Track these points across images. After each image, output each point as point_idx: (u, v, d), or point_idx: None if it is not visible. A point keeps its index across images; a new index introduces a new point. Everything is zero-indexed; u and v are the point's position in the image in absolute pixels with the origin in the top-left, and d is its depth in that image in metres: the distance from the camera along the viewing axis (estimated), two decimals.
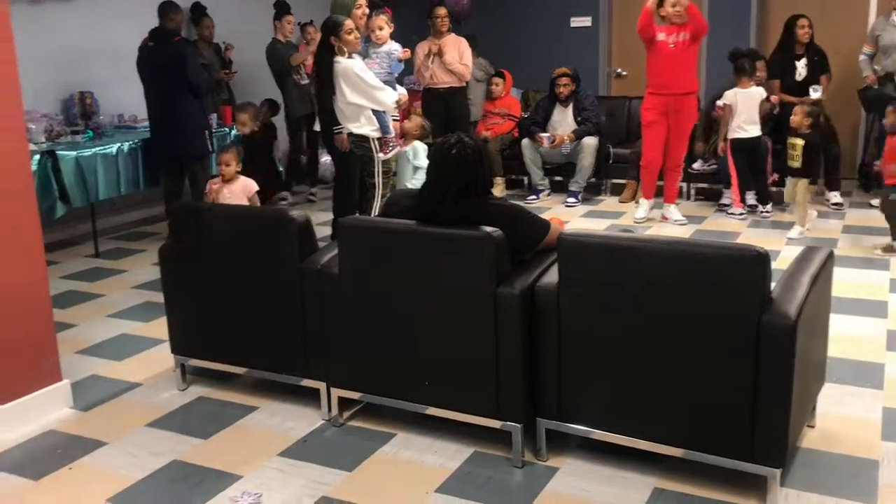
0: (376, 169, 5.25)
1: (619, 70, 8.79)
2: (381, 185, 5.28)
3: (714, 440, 2.71)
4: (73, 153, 5.61)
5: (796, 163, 5.79)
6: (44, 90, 6.14)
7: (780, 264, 4.47)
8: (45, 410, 3.40)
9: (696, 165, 7.01)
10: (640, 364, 2.76)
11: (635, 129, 7.45)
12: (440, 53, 6.93)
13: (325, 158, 8.05)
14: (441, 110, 6.99)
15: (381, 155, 5.23)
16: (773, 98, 6.65)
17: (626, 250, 2.75)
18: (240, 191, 4.55)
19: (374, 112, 5.15)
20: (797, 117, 5.84)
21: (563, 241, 2.81)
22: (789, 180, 6.00)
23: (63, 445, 3.21)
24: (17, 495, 2.87)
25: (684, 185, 7.10)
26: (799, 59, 6.90)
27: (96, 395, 3.64)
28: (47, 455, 3.14)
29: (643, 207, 6.55)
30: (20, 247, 3.31)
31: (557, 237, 2.84)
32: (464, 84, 7.12)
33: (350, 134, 5.17)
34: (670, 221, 6.43)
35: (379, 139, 5.20)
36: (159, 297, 3.96)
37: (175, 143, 5.86)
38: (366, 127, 5.16)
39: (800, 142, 5.74)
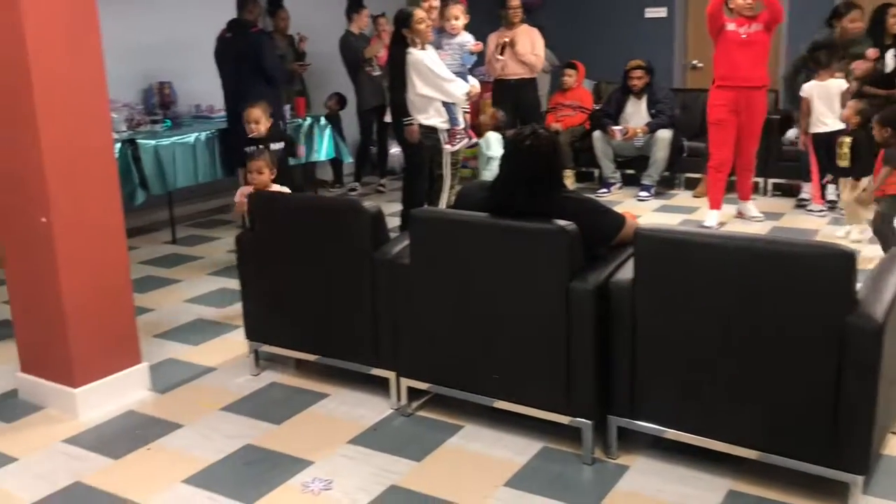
0: (444, 160, 5.26)
1: (694, 62, 8.60)
2: (448, 177, 5.29)
3: (793, 443, 2.63)
4: (153, 142, 5.76)
5: (844, 162, 5.41)
6: (124, 80, 6.30)
7: (861, 264, 4.31)
8: (125, 392, 3.51)
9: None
10: (717, 363, 2.70)
11: None
12: (512, 44, 6.88)
13: (395, 150, 8.10)
14: (511, 102, 6.95)
15: (448, 147, 5.23)
16: (870, 52, 6.21)
17: (705, 247, 2.69)
18: None
19: (444, 103, 5.15)
20: (848, 111, 5.47)
21: (641, 236, 2.76)
22: (840, 182, 5.60)
23: (141, 426, 3.31)
24: (97, 473, 2.97)
25: (761, 180, 6.91)
26: (888, 50, 6.63)
27: (173, 378, 3.74)
28: (126, 435, 3.24)
29: (712, 217, 6.07)
30: (104, 232, 3.42)
31: (634, 232, 2.79)
32: (535, 75, 7.06)
33: (420, 125, 5.19)
34: (747, 218, 6.25)
35: (447, 131, 5.21)
36: (234, 284, 4.05)
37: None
38: (435, 118, 5.17)
39: (847, 139, 5.35)
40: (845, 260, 2.46)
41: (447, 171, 5.27)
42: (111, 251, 3.46)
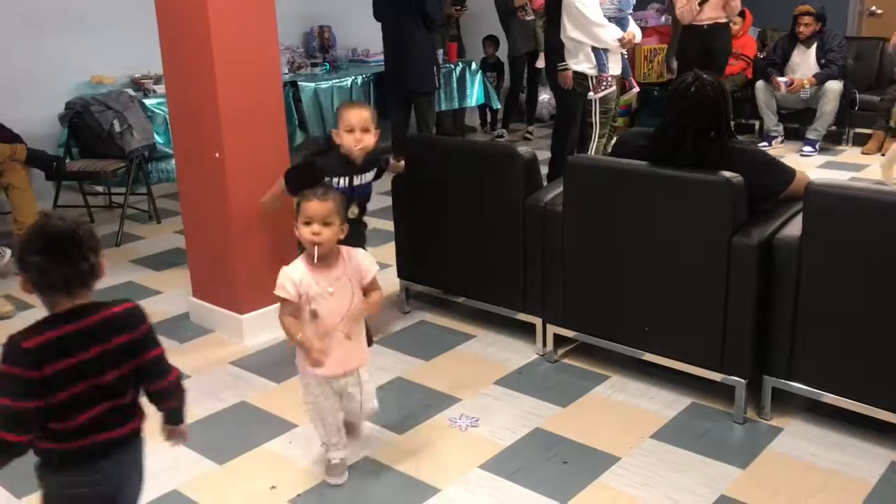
0: (593, 108, 5.13)
1: (872, 8, 7.97)
2: (598, 125, 5.15)
3: None
4: (312, 85, 5.97)
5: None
6: (287, 23, 6.46)
7: None
8: None
9: None
10: (884, 328, 2.55)
11: (887, 73, 6.77)
12: None
13: (543, 97, 8.02)
14: (700, 49, 6.41)
15: (591, 94, 5.10)
16: None
17: (886, 206, 2.52)
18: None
19: (594, 49, 5.00)
20: None
21: (813, 192, 2.63)
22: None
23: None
24: (261, 394, 3.18)
25: None
26: None
27: None
28: (287, 361, 3.41)
29: None
30: (271, 168, 3.58)
31: (805, 187, 2.66)
32: (728, 20, 6.57)
33: (572, 71, 5.10)
34: None
35: (595, 77, 5.07)
36: (386, 225, 4.16)
37: (407, 77, 6.01)
38: (584, 64, 5.05)
39: None
40: None
41: (596, 120, 5.15)
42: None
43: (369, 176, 3.35)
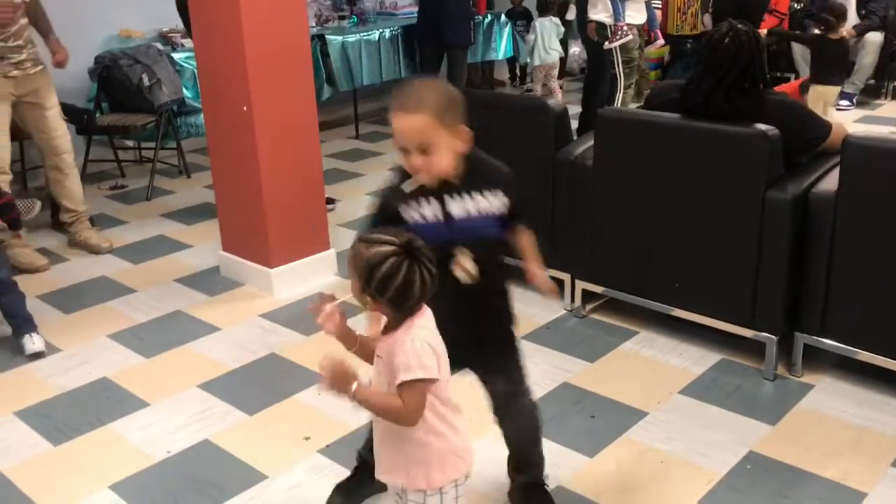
0: (615, 58, 5.01)
1: None
2: (622, 76, 5.03)
3: None
4: (340, 38, 5.91)
5: None
6: None
7: None
8: (315, 275, 3.73)
9: None
10: None
11: None
12: None
13: (574, 50, 7.89)
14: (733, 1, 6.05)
15: (607, 43, 4.99)
16: None
17: None
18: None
19: None
20: None
21: (850, 145, 2.56)
22: None
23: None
24: (290, 347, 3.21)
25: None
26: None
27: None
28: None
29: None
30: (299, 123, 3.58)
31: (842, 140, 2.59)
32: None
33: (595, 21, 5.01)
34: None
35: (612, 26, 4.96)
36: None
37: (443, 31, 5.91)
38: (601, 13, 4.95)
39: None
40: None
41: (620, 70, 5.03)
42: (306, 141, 3.62)
43: (489, 204, 1.92)
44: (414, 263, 1.59)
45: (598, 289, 3.30)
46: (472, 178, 1.90)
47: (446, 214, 1.87)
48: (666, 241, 2.99)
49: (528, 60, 7.61)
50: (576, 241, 3.28)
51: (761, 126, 2.69)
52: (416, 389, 1.61)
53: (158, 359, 3.17)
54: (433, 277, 1.62)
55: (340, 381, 1.61)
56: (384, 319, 1.70)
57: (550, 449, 2.52)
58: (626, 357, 3.05)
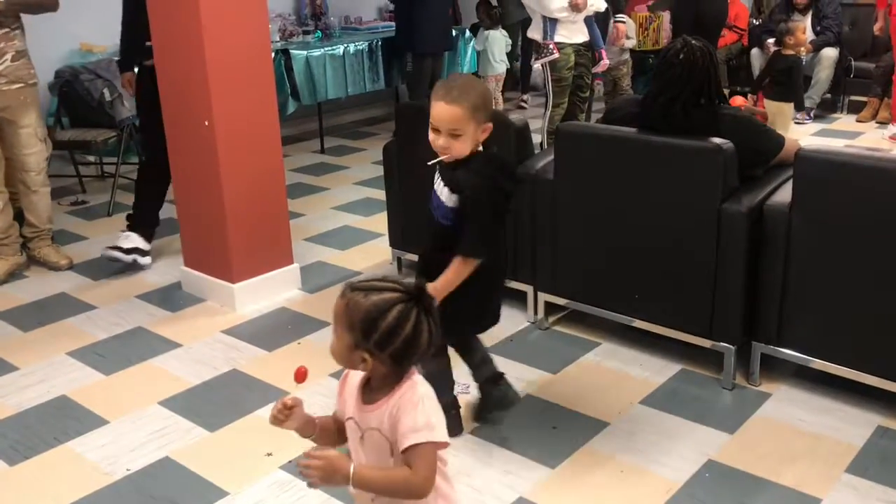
0: (545, 77, 4.93)
1: None
2: (552, 94, 4.90)
3: None
4: (304, 53, 5.91)
5: None
6: None
7: None
8: (278, 290, 3.72)
9: None
10: (874, 294, 2.57)
11: (884, 40, 6.72)
12: None
13: (538, 64, 7.95)
14: (691, 13, 6.19)
15: (532, 61, 4.95)
16: None
17: (876, 171, 2.52)
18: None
19: (544, 16, 4.74)
20: None
21: (803, 158, 2.62)
22: None
23: (293, 322, 3.51)
24: (252, 362, 3.19)
25: None
26: None
27: (322, 279, 3.92)
28: (279, 329, 3.45)
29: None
30: (262, 137, 3.57)
31: (795, 153, 2.65)
32: None
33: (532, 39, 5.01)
34: None
35: (541, 44, 4.87)
36: (378, 195, 4.15)
37: (418, 36, 6.02)
38: (535, 31, 4.90)
39: None
40: None
41: (549, 88, 4.94)
42: (268, 156, 3.62)
43: (446, 197, 2.32)
44: (422, 312, 1.43)
45: (561, 301, 3.33)
46: (462, 168, 2.28)
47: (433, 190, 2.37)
48: (625, 254, 3.03)
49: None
50: (538, 254, 3.31)
51: (716, 140, 2.74)
52: (428, 453, 1.44)
53: (118, 376, 3.13)
54: (438, 328, 1.45)
55: (335, 472, 1.44)
56: (353, 390, 1.56)
57: (513, 460, 2.54)
58: (588, 368, 3.08)
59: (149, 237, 4.16)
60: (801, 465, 2.48)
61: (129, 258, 4.04)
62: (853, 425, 2.66)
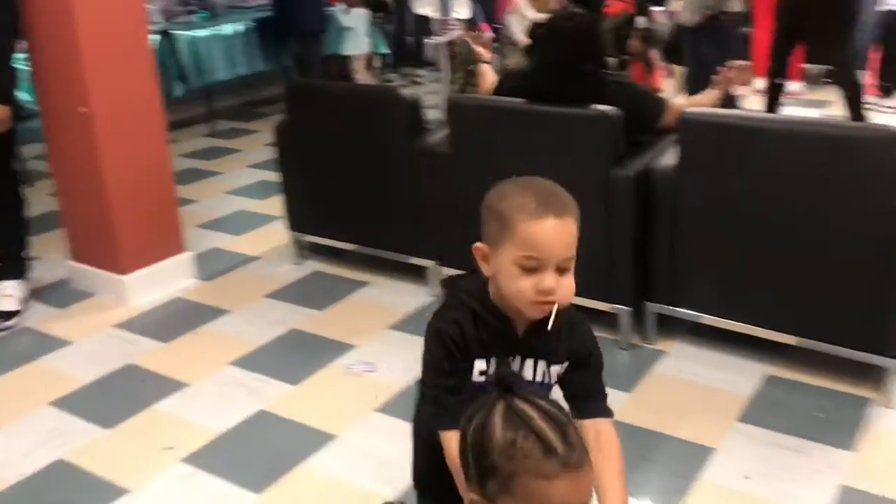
0: (440, 53, 4.89)
1: None
2: (447, 70, 4.89)
3: (834, 330, 2.63)
4: (189, 33, 5.71)
5: None
6: None
7: None
8: (172, 279, 3.60)
9: None
10: (759, 250, 2.67)
11: None
12: None
13: (429, 40, 7.93)
14: None
15: (430, 39, 4.89)
16: None
17: (755, 131, 2.61)
18: None
19: None
20: None
21: (686, 121, 2.70)
22: None
23: (188, 312, 3.40)
24: (148, 356, 3.08)
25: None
26: None
27: (217, 266, 3.82)
28: (174, 320, 3.34)
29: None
30: (144, 123, 3.43)
31: (679, 117, 2.72)
32: None
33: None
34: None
35: (440, 21, 4.85)
36: (273, 176, 4.06)
37: (297, 17, 5.89)
38: (427, 7, 4.82)
39: None
40: None
41: (445, 65, 4.92)
42: (152, 141, 3.48)
43: (544, 373, 1.44)
44: None
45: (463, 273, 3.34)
46: (550, 334, 1.36)
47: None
48: None
49: (387, 51, 7.61)
50: (439, 229, 3.31)
51: (602, 107, 2.79)
52: None
53: (5, 378, 2.98)
54: None
55: None
56: None
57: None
58: None
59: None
60: (697, 417, 2.58)
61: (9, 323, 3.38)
62: (744, 376, 2.77)
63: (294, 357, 3.03)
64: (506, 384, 1.04)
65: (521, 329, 1.39)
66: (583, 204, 2.85)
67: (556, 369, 1.43)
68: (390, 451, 2.46)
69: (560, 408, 1.06)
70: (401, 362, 2.94)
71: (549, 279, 1.29)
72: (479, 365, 1.38)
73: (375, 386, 2.80)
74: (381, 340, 3.12)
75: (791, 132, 2.59)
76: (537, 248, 1.29)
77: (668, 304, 2.91)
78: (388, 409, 2.68)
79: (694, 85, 4.78)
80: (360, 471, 2.40)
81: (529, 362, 1.41)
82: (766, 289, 2.70)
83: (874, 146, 2.42)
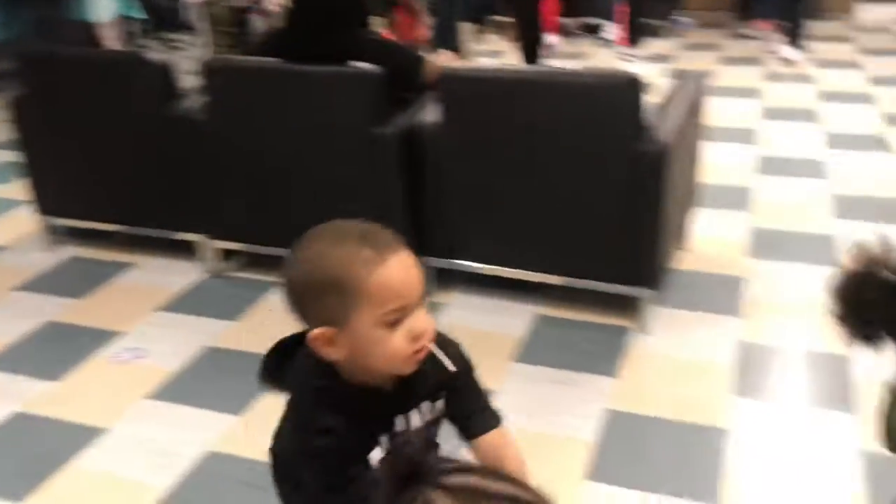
0: (199, 15, 4.73)
1: None
2: (206, 34, 4.74)
3: (593, 267, 2.80)
4: None
5: None
6: None
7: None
8: None
9: None
10: (521, 199, 2.78)
11: None
12: None
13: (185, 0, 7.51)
14: None
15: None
16: None
17: (509, 84, 2.69)
18: None
19: None
20: None
21: (444, 78, 2.73)
22: None
23: None
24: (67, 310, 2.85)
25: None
26: None
27: None
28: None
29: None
30: None
31: (439, 75, 2.75)
32: None
33: None
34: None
35: None
36: (14, 157, 3.68)
37: None
38: None
39: None
40: (631, 86, 2.55)
41: (203, 27, 4.74)
42: None
43: (428, 412, 1.28)
44: None
45: (235, 245, 3.22)
46: (427, 378, 1.24)
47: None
48: (288, 188, 2.98)
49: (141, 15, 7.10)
50: (204, 201, 3.15)
51: (362, 65, 2.76)
52: None
53: None
54: None
55: None
56: None
57: (196, 415, 2.44)
58: (270, 309, 3.02)
59: None
60: (477, 362, 2.64)
61: None
62: (515, 318, 2.89)
63: (52, 351, 2.78)
64: (412, 470, 0.72)
65: (389, 387, 1.19)
66: (349, 164, 2.84)
67: (440, 399, 1.28)
68: (165, 438, 2.34)
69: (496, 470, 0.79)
70: (171, 345, 2.80)
71: (420, 319, 1.11)
72: (375, 455, 1.16)
73: (145, 373, 2.64)
74: (149, 324, 2.94)
75: (540, 83, 2.69)
76: (399, 294, 1.09)
77: (442, 257, 2.97)
78: (162, 394, 2.54)
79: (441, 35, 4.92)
80: (134, 462, 2.26)
81: (414, 413, 1.23)
82: (532, 235, 2.82)
83: (611, 92, 2.57)
